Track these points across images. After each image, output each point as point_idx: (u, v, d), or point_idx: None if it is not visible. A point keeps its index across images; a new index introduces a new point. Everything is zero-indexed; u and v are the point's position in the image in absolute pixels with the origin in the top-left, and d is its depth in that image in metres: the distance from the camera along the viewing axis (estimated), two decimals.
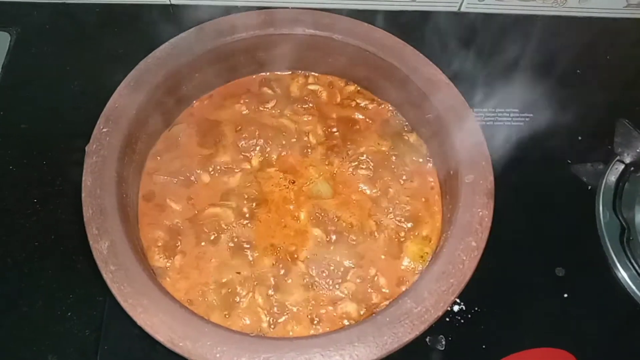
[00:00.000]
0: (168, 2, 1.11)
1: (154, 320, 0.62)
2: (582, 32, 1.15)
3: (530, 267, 0.87)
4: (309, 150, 0.83)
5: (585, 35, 1.14)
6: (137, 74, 0.76)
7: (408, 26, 1.11)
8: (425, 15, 1.13)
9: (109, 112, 0.73)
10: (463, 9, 1.13)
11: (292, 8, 0.84)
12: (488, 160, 0.73)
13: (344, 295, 0.73)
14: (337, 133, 0.84)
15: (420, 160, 0.82)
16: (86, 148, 0.71)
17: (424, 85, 0.78)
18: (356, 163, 0.81)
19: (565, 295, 0.85)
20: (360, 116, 0.86)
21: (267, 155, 0.82)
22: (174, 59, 0.79)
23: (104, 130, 0.72)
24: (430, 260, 0.73)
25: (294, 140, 0.83)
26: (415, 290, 0.65)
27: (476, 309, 0.82)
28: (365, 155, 0.82)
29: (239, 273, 0.73)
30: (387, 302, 0.72)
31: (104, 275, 0.64)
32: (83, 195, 0.68)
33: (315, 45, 0.83)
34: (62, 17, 1.11)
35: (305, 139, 0.83)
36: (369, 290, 0.73)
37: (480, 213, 0.69)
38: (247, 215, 0.77)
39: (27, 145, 0.95)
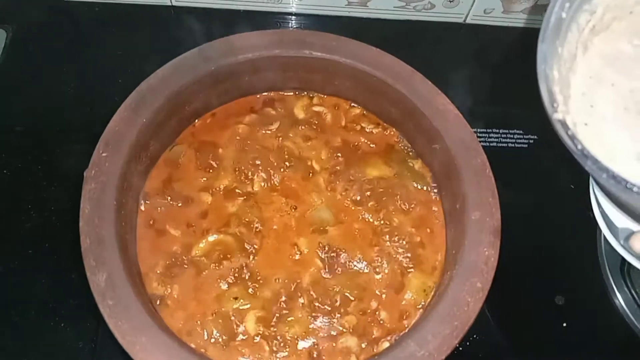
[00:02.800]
0: (169, 3, 1.08)
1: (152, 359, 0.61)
2: None
3: (530, 295, 0.87)
4: (312, 175, 0.81)
5: None
6: (138, 95, 0.74)
7: (411, 36, 1.10)
8: (429, 26, 1.11)
9: (108, 136, 0.71)
10: (468, 21, 1.11)
11: (298, 29, 0.82)
12: (495, 197, 0.71)
13: (344, 330, 0.71)
14: (340, 158, 0.82)
15: (425, 188, 0.81)
16: (85, 173, 0.70)
17: (431, 115, 0.76)
18: (359, 190, 0.80)
19: (565, 325, 0.85)
20: (365, 141, 0.84)
21: (268, 179, 0.80)
22: (177, 80, 0.76)
23: (104, 155, 0.70)
24: (433, 299, 0.72)
25: (297, 164, 0.81)
26: (419, 332, 0.65)
27: (475, 336, 0.81)
28: (368, 182, 0.80)
29: (238, 304, 0.72)
30: (388, 338, 0.71)
31: (102, 310, 0.63)
32: (81, 223, 0.66)
33: (322, 68, 0.81)
34: (60, 15, 1.08)
35: (309, 163, 0.82)
36: (371, 324, 0.72)
37: (486, 252, 0.68)
38: (247, 243, 0.75)
39: (21, 149, 0.93)
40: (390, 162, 0.83)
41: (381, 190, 0.80)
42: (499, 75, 1.07)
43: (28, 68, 1.02)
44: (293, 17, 1.09)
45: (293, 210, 0.79)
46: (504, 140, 0.98)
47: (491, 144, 0.97)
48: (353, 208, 0.79)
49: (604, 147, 0.54)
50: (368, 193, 0.80)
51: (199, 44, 0.81)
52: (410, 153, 0.84)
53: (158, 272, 0.73)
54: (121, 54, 1.04)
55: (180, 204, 0.78)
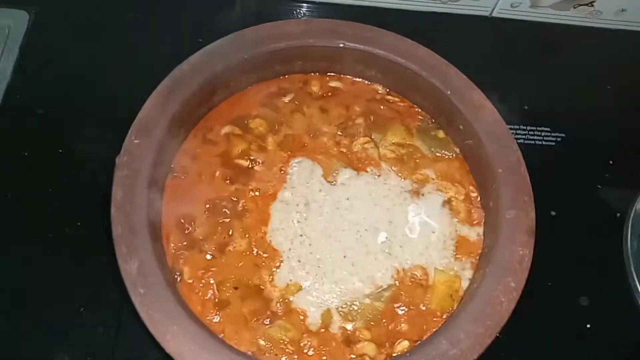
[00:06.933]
0: None
1: (183, 349, 0.61)
2: (616, 46, 1.12)
3: (554, 294, 0.86)
4: (322, 136, 0.82)
5: (619, 48, 1.11)
6: (171, 82, 0.73)
7: (436, 29, 1.08)
8: (455, 19, 1.10)
9: (140, 122, 0.70)
10: (495, 14, 1.10)
11: (329, 18, 0.80)
12: (530, 196, 0.71)
13: (363, 336, 0.70)
14: (359, 121, 0.82)
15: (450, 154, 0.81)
16: (116, 159, 0.69)
17: (466, 110, 0.76)
18: (382, 146, 0.81)
19: (588, 326, 0.84)
20: (387, 108, 0.84)
21: (279, 141, 0.80)
22: (210, 68, 0.76)
23: (136, 141, 0.69)
24: (465, 298, 0.71)
25: (310, 128, 0.82)
26: (452, 330, 0.64)
27: (497, 335, 0.80)
28: (390, 143, 0.81)
29: (262, 298, 0.71)
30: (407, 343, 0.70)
31: (133, 298, 0.63)
32: (112, 210, 0.66)
33: (355, 58, 0.81)
34: None
35: (323, 128, 0.82)
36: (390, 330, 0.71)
37: (521, 252, 0.68)
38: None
39: (42, 132, 0.92)
40: (412, 130, 0.83)
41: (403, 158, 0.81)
42: (526, 71, 1.06)
43: (50, 51, 1.00)
44: (313, 5, 1.07)
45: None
46: (531, 137, 0.97)
47: (518, 141, 0.94)
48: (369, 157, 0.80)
49: None
50: (391, 155, 0.81)
51: (221, 29, 0.80)
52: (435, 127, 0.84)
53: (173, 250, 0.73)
54: (144, 38, 1.03)
55: (199, 180, 0.77)
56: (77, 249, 0.83)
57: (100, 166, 0.72)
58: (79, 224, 0.85)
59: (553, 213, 0.90)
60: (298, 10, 1.06)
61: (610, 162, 0.96)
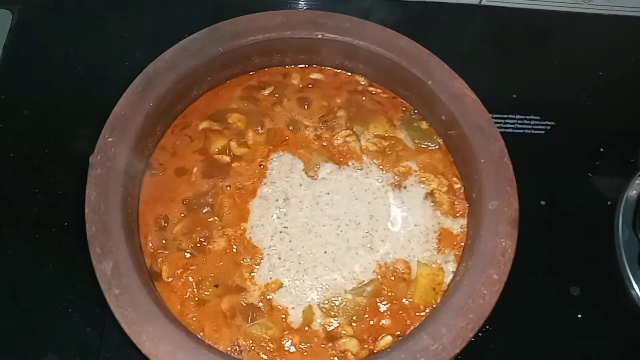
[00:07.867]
0: None
1: (159, 350, 0.60)
2: (608, 31, 1.10)
3: (544, 284, 0.85)
4: (305, 129, 0.81)
5: (611, 34, 1.10)
6: (145, 78, 0.72)
7: (425, 18, 1.07)
8: (444, 7, 1.08)
9: (114, 120, 0.69)
10: (484, 2, 1.08)
11: (309, 9, 0.80)
12: (513, 186, 0.70)
13: (345, 332, 0.69)
14: (340, 113, 0.81)
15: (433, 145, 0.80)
16: (90, 159, 0.68)
17: (448, 100, 0.74)
18: (363, 139, 0.80)
19: (580, 316, 0.83)
20: (369, 100, 0.82)
21: (259, 135, 0.79)
22: (185, 63, 0.75)
23: (110, 140, 0.68)
24: (448, 292, 0.70)
25: (292, 123, 0.81)
26: (433, 325, 0.63)
27: (487, 327, 0.79)
28: (372, 135, 0.80)
29: (242, 296, 0.70)
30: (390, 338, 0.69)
31: (108, 299, 0.62)
32: (86, 210, 0.65)
33: (334, 49, 0.80)
34: None
35: (304, 121, 0.81)
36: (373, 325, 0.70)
37: (504, 243, 0.66)
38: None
39: (28, 132, 0.92)
40: (395, 121, 0.82)
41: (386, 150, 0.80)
42: (515, 59, 1.05)
43: (34, 50, 1.00)
44: None
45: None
46: (520, 126, 0.96)
47: (507, 130, 0.95)
48: (352, 151, 0.79)
49: None
50: (374, 147, 0.79)
51: (206, 25, 0.79)
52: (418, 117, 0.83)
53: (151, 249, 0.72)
54: (128, 36, 1.02)
55: (177, 176, 0.77)
56: (64, 249, 0.82)
57: (87, 165, 0.70)
58: (66, 224, 0.84)
59: (543, 202, 0.89)
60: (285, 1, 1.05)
61: (601, 149, 0.95)
